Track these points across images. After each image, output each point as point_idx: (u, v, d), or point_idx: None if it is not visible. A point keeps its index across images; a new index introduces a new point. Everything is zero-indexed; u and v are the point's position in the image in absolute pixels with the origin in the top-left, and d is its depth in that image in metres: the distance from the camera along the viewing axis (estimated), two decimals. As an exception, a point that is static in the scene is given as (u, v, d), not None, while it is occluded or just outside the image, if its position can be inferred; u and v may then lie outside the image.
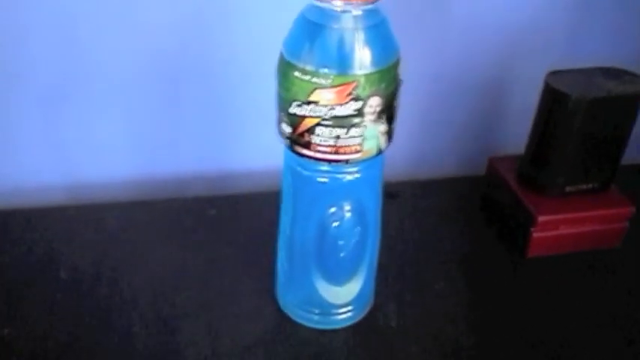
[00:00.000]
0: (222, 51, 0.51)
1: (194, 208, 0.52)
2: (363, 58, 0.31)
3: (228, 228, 0.50)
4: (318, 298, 0.40)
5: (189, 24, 0.49)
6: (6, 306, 0.43)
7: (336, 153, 0.33)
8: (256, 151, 0.54)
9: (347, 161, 0.34)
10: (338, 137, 0.33)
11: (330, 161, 0.34)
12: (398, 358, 0.40)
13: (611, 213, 0.48)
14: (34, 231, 0.49)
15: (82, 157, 0.54)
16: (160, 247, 0.48)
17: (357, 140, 0.33)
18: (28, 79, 0.49)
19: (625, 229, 0.49)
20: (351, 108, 0.32)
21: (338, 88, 0.31)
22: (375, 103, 0.32)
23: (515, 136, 0.50)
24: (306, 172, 0.36)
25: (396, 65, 0.33)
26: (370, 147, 0.34)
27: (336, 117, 0.32)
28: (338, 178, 0.36)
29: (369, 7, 0.32)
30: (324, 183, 0.36)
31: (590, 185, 0.48)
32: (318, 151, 0.34)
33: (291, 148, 0.35)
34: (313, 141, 0.33)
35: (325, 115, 0.32)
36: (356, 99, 0.32)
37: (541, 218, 0.47)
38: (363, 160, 0.34)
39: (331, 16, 0.31)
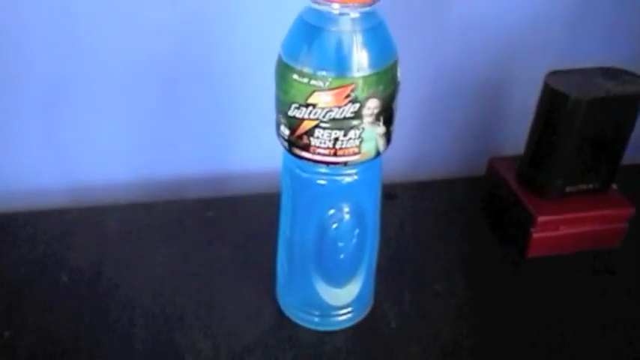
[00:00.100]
0: (222, 53, 0.51)
1: (194, 210, 0.52)
2: (360, 60, 0.31)
3: (228, 229, 0.50)
4: (317, 300, 0.41)
5: (189, 26, 0.49)
6: (7, 308, 0.43)
7: (335, 155, 0.33)
8: (256, 153, 0.54)
9: (345, 163, 0.34)
10: (336, 139, 0.33)
11: (328, 163, 0.34)
12: (398, 359, 0.40)
13: (611, 213, 0.48)
14: (35, 233, 0.49)
15: (82, 159, 0.54)
16: (160, 249, 0.48)
17: (356, 142, 0.33)
18: (28, 80, 0.49)
19: (625, 230, 0.49)
20: (349, 110, 0.32)
21: (336, 91, 0.31)
22: (373, 105, 0.32)
23: (515, 136, 0.50)
24: (305, 175, 0.36)
25: (393, 67, 0.33)
26: (368, 149, 0.34)
27: (334, 119, 0.32)
28: (337, 180, 0.36)
29: (367, 9, 0.32)
30: (322, 185, 0.36)
31: (590, 186, 0.48)
32: (317, 154, 0.34)
33: (289, 150, 0.35)
34: (312, 143, 0.33)
35: (323, 117, 0.32)
36: (354, 101, 0.32)
37: (541, 218, 0.47)
38: (362, 162, 0.34)
39: (329, 18, 0.31)
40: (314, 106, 0.32)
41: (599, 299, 0.45)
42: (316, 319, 0.42)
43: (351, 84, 0.31)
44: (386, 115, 0.33)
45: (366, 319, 0.43)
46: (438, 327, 0.43)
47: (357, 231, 0.38)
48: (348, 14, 0.31)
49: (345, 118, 0.32)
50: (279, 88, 0.34)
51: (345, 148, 0.33)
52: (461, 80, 0.56)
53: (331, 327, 0.42)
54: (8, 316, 0.42)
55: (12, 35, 0.47)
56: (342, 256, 0.39)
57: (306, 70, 0.32)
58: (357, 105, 0.32)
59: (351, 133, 0.33)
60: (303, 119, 0.33)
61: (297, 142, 0.34)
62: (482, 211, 0.53)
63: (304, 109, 0.32)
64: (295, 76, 0.32)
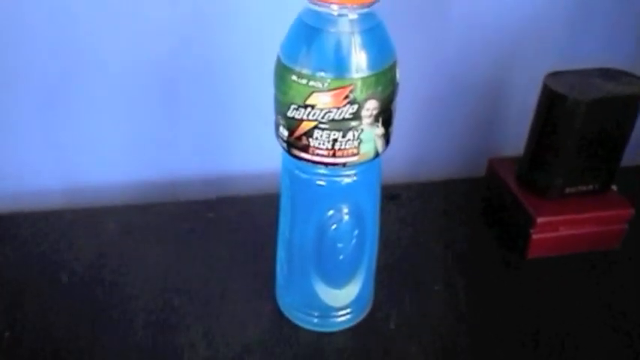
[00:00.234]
0: (221, 54, 0.51)
1: (193, 211, 0.52)
2: (359, 61, 0.31)
3: (227, 230, 0.50)
4: (317, 301, 0.41)
5: (189, 27, 0.49)
6: (7, 308, 0.43)
7: (334, 156, 0.33)
8: (255, 154, 0.54)
9: (344, 164, 0.34)
10: (335, 140, 0.33)
11: (327, 164, 0.34)
12: (398, 359, 0.40)
13: (611, 214, 0.48)
14: (34, 234, 0.49)
15: (82, 160, 0.54)
16: (159, 250, 0.48)
17: (354, 143, 0.33)
18: (26, 81, 0.49)
19: (624, 231, 0.49)
20: (347, 111, 0.32)
21: (334, 92, 0.31)
22: (371, 106, 0.32)
23: (515, 137, 0.50)
24: (304, 175, 0.36)
25: (392, 68, 0.33)
26: (367, 150, 0.34)
27: (333, 120, 0.32)
28: (336, 181, 0.36)
29: (366, 10, 0.32)
30: (322, 186, 0.36)
31: (590, 187, 0.48)
32: (316, 155, 0.34)
33: (288, 151, 0.35)
34: (311, 144, 0.33)
35: (322, 118, 0.32)
36: (352, 102, 0.32)
37: (540, 220, 0.47)
38: (361, 163, 0.34)
39: (328, 19, 0.31)
40: (313, 107, 0.32)
41: (598, 300, 0.45)
42: (315, 320, 0.42)
43: (350, 85, 0.31)
44: (385, 116, 0.34)
45: (365, 320, 0.43)
46: (437, 327, 0.43)
47: (356, 232, 0.38)
48: (346, 15, 0.31)
49: (343, 119, 0.32)
50: (277, 89, 0.34)
51: (344, 149, 0.33)
52: (461, 81, 0.56)
53: (330, 328, 0.42)
54: (8, 316, 0.42)
55: (11, 35, 0.47)
56: (341, 257, 0.39)
57: (304, 71, 0.32)
58: (356, 106, 0.32)
59: (350, 134, 0.33)
60: (302, 120, 0.33)
61: (296, 143, 0.34)
62: (482, 212, 0.53)
63: (303, 110, 0.32)
64: (294, 77, 0.32)
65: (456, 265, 0.48)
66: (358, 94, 0.32)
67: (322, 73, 0.31)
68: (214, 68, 0.51)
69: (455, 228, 0.52)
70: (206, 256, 0.48)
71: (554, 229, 0.48)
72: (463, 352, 0.41)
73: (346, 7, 0.31)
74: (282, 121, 0.34)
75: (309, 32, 0.32)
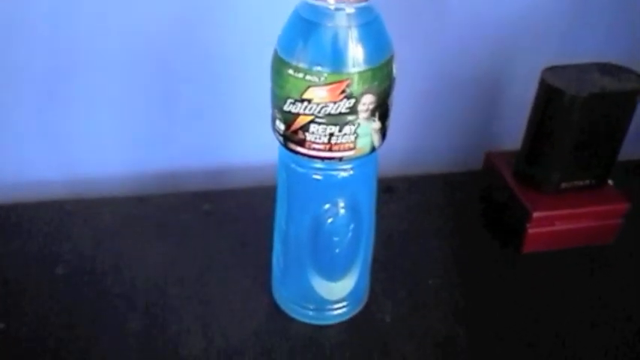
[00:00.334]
0: (219, 46, 0.51)
1: (190, 203, 0.52)
2: (356, 56, 0.31)
3: (224, 222, 0.50)
4: (313, 294, 0.41)
5: (187, 20, 0.49)
6: (2, 299, 0.43)
7: (330, 150, 0.34)
8: (252, 146, 0.54)
9: (341, 158, 0.34)
10: (331, 135, 0.33)
11: (323, 158, 0.34)
12: (392, 353, 0.41)
13: (607, 209, 0.48)
14: (31, 225, 0.49)
15: (79, 151, 0.54)
16: (156, 242, 0.48)
17: (351, 138, 0.33)
18: (25, 73, 0.49)
19: (620, 226, 0.49)
20: (344, 106, 0.32)
21: (331, 86, 0.31)
22: (368, 100, 0.32)
23: (513, 130, 0.50)
24: (300, 169, 0.36)
25: (389, 63, 0.33)
26: (363, 144, 0.34)
27: (329, 114, 0.32)
28: (332, 175, 0.36)
29: (363, 4, 0.31)
30: (318, 180, 0.36)
31: (586, 181, 0.48)
32: (312, 149, 0.34)
33: (285, 145, 0.35)
34: (307, 138, 0.33)
35: (318, 112, 0.32)
36: (349, 97, 0.32)
37: (536, 214, 0.47)
38: (357, 158, 0.34)
39: (325, 14, 0.31)
40: (309, 101, 0.32)
41: (594, 295, 0.45)
42: (311, 313, 0.42)
43: (347, 79, 0.31)
44: (381, 111, 0.34)
45: (360, 313, 0.43)
46: (432, 321, 0.43)
47: (352, 226, 0.38)
48: (343, 9, 0.31)
49: (340, 114, 0.32)
50: (274, 83, 0.34)
51: (341, 143, 0.33)
52: (458, 74, 0.56)
53: (326, 321, 0.42)
54: (4, 307, 0.42)
55: (9, 29, 0.47)
56: (337, 250, 0.39)
57: (301, 65, 0.32)
58: (353, 100, 0.32)
59: (346, 129, 0.33)
60: (298, 114, 0.33)
61: (292, 137, 0.34)
62: (479, 206, 0.54)
63: (299, 104, 0.32)
64: (291, 71, 0.32)
65: (452, 259, 0.48)
66: (355, 89, 0.32)
67: (319, 68, 0.31)
68: (213, 61, 0.51)
69: (451, 221, 0.52)
70: (203, 248, 0.48)
71: (550, 223, 0.48)
72: (458, 345, 0.41)
73: (343, 2, 0.31)
74: (278, 115, 0.34)
75: (305, 26, 0.32)
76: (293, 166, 0.36)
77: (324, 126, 0.33)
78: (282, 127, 0.34)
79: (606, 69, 0.46)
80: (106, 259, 0.47)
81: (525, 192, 0.48)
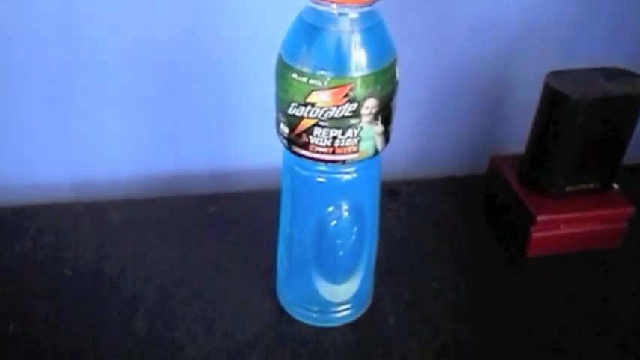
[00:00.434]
0: (225, 50, 0.51)
1: (195, 206, 0.52)
2: (359, 60, 0.32)
3: (229, 225, 0.50)
4: (316, 296, 0.41)
5: (192, 24, 0.49)
6: (11, 301, 0.43)
7: (334, 154, 0.34)
8: (257, 149, 0.54)
9: (344, 162, 0.34)
10: (335, 138, 0.33)
11: (327, 162, 0.34)
12: (396, 355, 0.41)
13: (611, 213, 0.48)
14: (39, 227, 0.50)
15: (85, 154, 0.55)
16: (161, 244, 0.48)
17: (354, 141, 0.33)
18: (30, 76, 0.50)
19: (625, 230, 0.49)
20: (347, 109, 0.32)
21: (334, 90, 0.32)
22: (371, 104, 0.32)
23: (517, 134, 0.50)
24: (304, 172, 0.36)
25: (392, 67, 0.33)
26: (367, 148, 0.34)
27: (332, 118, 0.32)
28: (336, 179, 0.36)
29: (366, 9, 0.32)
30: (322, 183, 0.36)
31: (591, 185, 0.48)
32: (316, 152, 0.34)
33: (289, 148, 0.35)
34: (311, 142, 0.34)
35: (322, 116, 0.32)
36: (352, 100, 0.32)
37: (540, 218, 0.47)
38: (360, 161, 0.35)
39: (328, 18, 0.32)
40: (313, 105, 0.32)
41: (598, 299, 0.45)
42: (315, 315, 0.42)
43: (350, 83, 0.32)
44: (384, 115, 0.34)
45: (364, 316, 0.43)
46: (436, 324, 0.43)
47: (355, 228, 0.38)
48: (347, 14, 0.32)
49: (343, 117, 0.32)
50: (278, 86, 0.34)
51: (344, 146, 0.34)
52: (462, 78, 0.56)
53: (330, 323, 0.42)
54: (13, 308, 0.43)
55: (16, 31, 0.48)
56: (341, 253, 0.39)
57: (305, 69, 0.32)
58: (356, 104, 0.32)
59: (350, 132, 0.33)
60: (302, 118, 0.33)
61: (296, 140, 0.34)
62: (483, 210, 0.54)
63: (303, 107, 0.33)
64: (294, 75, 0.32)
65: (456, 263, 0.48)
66: (358, 93, 0.32)
67: (322, 72, 0.32)
68: (218, 65, 0.52)
69: (455, 225, 0.52)
70: (208, 251, 0.48)
71: (554, 227, 0.48)
72: (462, 348, 0.41)
73: (347, 6, 0.31)
74: (282, 119, 0.34)
75: (309, 31, 0.32)
76: (297, 169, 0.37)
77: (328, 129, 0.33)
78: (286, 130, 0.34)
79: (611, 73, 0.46)
80: (111, 261, 0.47)
81: (530, 196, 0.48)
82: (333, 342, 0.41)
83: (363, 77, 0.32)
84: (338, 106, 0.32)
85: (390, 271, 0.46)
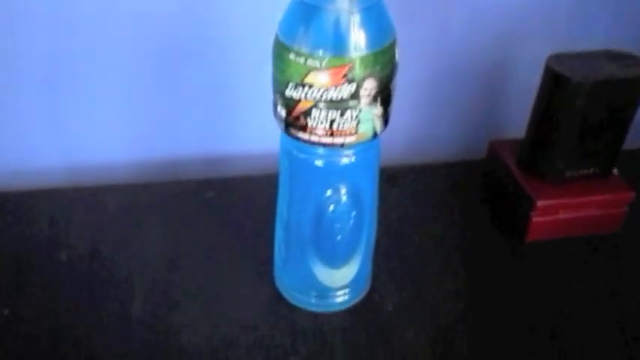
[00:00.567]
0: (221, 33, 0.50)
1: (192, 191, 0.52)
2: (357, 40, 0.31)
3: (227, 210, 0.50)
4: (315, 281, 0.41)
5: (187, 7, 0.49)
6: (6, 286, 0.43)
7: (332, 136, 0.33)
8: (254, 134, 0.54)
9: (342, 144, 0.34)
10: (333, 121, 0.33)
11: (325, 144, 0.34)
12: (395, 340, 0.41)
13: (611, 198, 0.48)
14: (34, 212, 0.49)
15: (81, 139, 0.54)
16: (158, 229, 0.48)
17: (352, 123, 0.33)
18: (25, 61, 0.49)
19: (625, 214, 0.48)
20: (345, 91, 0.32)
21: (332, 71, 0.31)
22: (369, 85, 0.32)
23: (517, 119, 0.49)
24: (302, 156, 0.36)
25: (391, 47, 0.32)
26: (365, 130, 0.34)
27: (330, 100, 0.32)
28: (334, 162, 0.36)
29: (365, -12, 0.31)
30: (320, 166, 0.36)
31: (591, 170, 0.48)
32: (314, 135, 0.33)
33: (286, 131, 0.35)
34: (309, 124, 0.33)
35: (320, 97, 0.32)
36: (350, 81, 0.31)
37: (540, 203, 0.47)
38: (359, 144, 0.34)
39: (326, -3, 0.31)
40: (310, 86, 0.32)
41: (598, 283, 0.45)
42: (313, 301, 0.42)
43: (348, 64, 0.31)
44: (383, 96, 0.33)
45: (363, 301, 0.43)
46: (435, 309, 0.43)
47: (354, 212, 0.38)
48: (345, -7, 0.31)
49: (341, 99, 0.32)
50: (275, 67, 0.33)
51: (342, 129, 0.33)
52: (462, 61, 0.55)
53: (328, 308, 0.42)
54: (8, 293, 0.42)
55: (11, 17, 0.47)
56: (339, 237, 0.39)
57: (302, 49, 0.31)
58: (354, 85, 0.32)
59: (348, 114, 0.32)
60: (299, 100, 0.33)
61: (294, 122, 0.34)
62: (482, 195, 0.53)
63: (301, 89, 0.32)
64: (292, 56, 0.32)
65: (455, 248, 0.48)
66: (356, 73, 0.31)
67: (320, 52, 0.31)
68: (214, 48, 0.51)
69: (454, 210, 0.51)
70: (205, 236, 0.48)
71: (554, 212, 0.47)
72: (460, 333, 0.41)
73: (345, -15, 0.31)
74: (279, 101, 0.34)
75: (307, 10, 0.31)
76: (295, 152, 0.36)
77: (326, 111, 0.32)
78: (283, 112, 0.34)
79: (613, 56, 0.45)
80: (108, 246, 0.47)
81: (530, 181, 0.48)
82: (331, 327, 0.41)
83: (361, 58, 0.31)
84: (336, 88, 0.31)
85: (389, 256, 0.46)
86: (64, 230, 0.48)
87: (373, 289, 0.44)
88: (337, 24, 0.31)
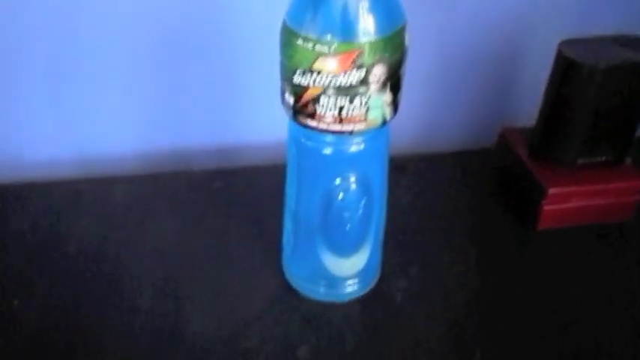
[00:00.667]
0: (229, 21, 0.50)
1: (200, 181, 0.52)
2: (366, 25, 0.30)
3: (235, 201, 0.50)
4: (324, 271, 0.40)
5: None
6: (15, 277, 0.43)
7: (341, 123, 0.33)
8: (263, 124, 0.54)
9: (351, 132, 0.33)
10: (342, 108, 0.32)
11: (334, 132, 0.33)
12: (404, 330, 0.40)
13: (623, 186, 0.47)
14: (43, 203, 0.49)
15: (90, 130, 0.54)
16: (167, 220, 0.48)
17: (362, 110, 0.32)
18: (33, 51, 0.49)
19: (637, 203, 0.48)
20: (354, 77, 0.31)
21: (341, 56, 0.31)
22: (379, 71, 0.31)
23: (528, 107, 0.49)
24: (310, 143, 0.36)
25: (401, 32, 0.32)
26: (375, 117, 0.33)
27: (339, 86, 0.31)
28: (343, 150, 0.35)
29: (374, -28, 0.31)
30: (328, 154, 0.35)
31: (604, 158, 0.47)
32: (323, 122, 0.33)
33: (294, 118, 0.34)
34: (317, 111, 0.33)
35: (328, 84, 0.31)
36: (359, 67, 0.31)
37: (552, 191, 0.46)
38: (368, 131, 0.34)
39: (334, -19, 0.30)
40: (319, 72, 0.31)
41: (609, 271, 0.45)
42: (322, 290, 0.41)
43: (357, 49, 0.30)
44: (393, 82, 0.33)
45: (372, 291, 0.42)
46: (445, 298, 0.42)
47: (363, 201, 0.38)
48: (354, -23, 0.30)
49: (350, 86, 0.31)
50: (283, 54, 0.33)
51: (351, 116, 0.33)
52: (472, 48, 0.54)
53: (337, 298, 0.42)
54: (17, 284, 0.42)
55: (17, 5, 0.47)
56: (348, 226, 0.38)
57: (310, 35, 0.31)
58: (363, 71, 0.31)
59: (357, 101, 0.32)
60: (308, 87, 0.32)
61: (302, 110, 0.33)
62: (493, 183, 0.53)
63: (309, 75, 0.32)
64: (300, 42, 0.31)
65: (466, 236, 0.47)
66: (365, 59, 0.31)
67: (328, 37, 0.30)
68: (222, 37, 0.50)
69: (464, 199, 0.51)
70: (213, 227, 0.47)
71: (566, 200, 0.47)
72: (471, 322, 0.41)
73: (353, -31, 0.30)
74: (288, 88, 0.33)
75: (315, -5, 0.31)
76: (303, 140, 0.36)
77: (335, 98, 0.32)
78: (291, 100, 0.33)
79: (627, 41, 0.44)
80: (117, 237, 0.46)
81: (541, 168, 0.47)
82: (341, 317, 0.41)
83: (370, 43, 0.31)
84: (345, 74, 0.31)
85: (399, 246, 0.46)
86: (73, 221, 0.48)
87: (383, 279, 0.43)
88: (346, 9, 0.30)
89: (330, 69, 0.31)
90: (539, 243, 0.47)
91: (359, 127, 0.33)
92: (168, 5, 0.48)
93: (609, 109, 0.45)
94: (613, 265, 0.45)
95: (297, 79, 0.32)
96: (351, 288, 0.42)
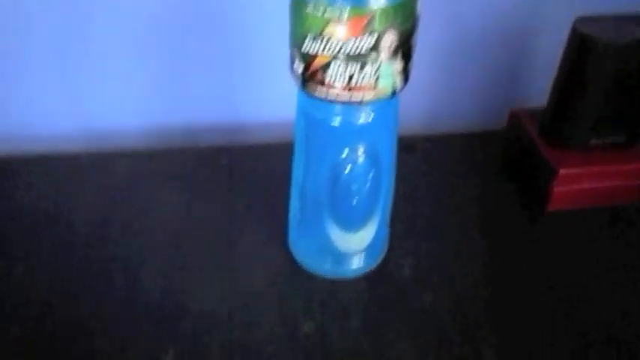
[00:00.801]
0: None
1: (207, 158, 0.51)
2: (378, -10, 0.30)
3: (242, 177, 0.50)
4: (330, 246, 0.40)
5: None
6: (18, 250, 0.43)
7: (350, 91, 0.32)
8: (271, 101, 0.53)
9: (361, 101, 0.33)
10: (352, 76, 0.32)
11: (343, 101, 0.33)
12: (411, 306, 0.40)
13: (635, 168, 0.46)
14: (48, 177, 0.49)
15: (96, 105, 0.54)
16: (172, 196, 0.48)
17: (372, 79, 0.32)
18: (38, 26, 0.49)
19: (649, 184, 0.47)
20: (365, 43, 0.30)
21: (351, 22, 0.30)
22: (390, 38, 0.31)
23: (540, 87, 0.48)
24: (319, 115, 0.35)
25: (412, 1, 0.31)
26: (385, 85, 0.32)
27: (349, 54, 0.31)
28: (352, 120, 0.35)
29: None
30: (337, 126, 0.35)
31: (617, 138, 0.46)
32: (332, 91, 0.32)
33: (303, 87, 0.34)
34: (326, 79, 0.32)
35: (338, 51, 0.31)
36: (370, 34, 0.30)
37: (563, 171, 0.45)
38: (377, 101, 0.33)
39: (346, -55, 0.30)
40: (329, 39, 0.31)
41: (619, 253, 0.44)
42: (328, 266, 0.41)
43: (368, 15, 0.30)
44: (404, 51, 0.32)
45: (379, 267, 0.42)
46: (452, 276, 0.42)
47: (371, 174, 0.37)
48: (366, -59, 0.30)
49: (360, 53, 0.31)
50: (293, 21, 0.32)
51: (361, 84, 0.32)
52: (483, 27, 0.53)
53: (344, 274, 0.41)
54: (19, 259, 0.42)
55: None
56: (356, 199, 0.38)
57: (320, 0, 0.30)
58: (374, 38, 0.30)
59: (367, 69, 0.31)
60: (317, 54, 0.31)
61: (311, 78, 0.33)
62: (502, 164, 0.52)
63: (319, 42, 0.31)
64: (310, 8, 0.31)
65: (474, 217, 0.47)
66: (376, 26, 0.30)
67: (339, 3, 0.30)
68: (229, 13, 0.50)
69: (474, 179, 0.50)
70: (219, 203, 0.47)
71: (577, 181, 0.46)
72: (478, 301, 0.40)
73: None
74: (297, 55, 0.33)
75: (325, -41, 0.30)
76: (311, 111, 0.35)
77: (345, 66, 0.31)
78: (300, 68, 0.33)
79: (642, 18, 0.44)
80: (121, 212, 0.46)
81: (552, 149, 0.47)
82: (347, 293, 0.40)
83: (382, 9, 0.30)
84: (355, 40, 0.30)
85: (407, 226, 0.45)
86: (76, 195, 0.47)
87: (389, 257, 0.43)
88: (357, -26, 0.30)
89: (340, 35, 0.30)
90: (549, 224, 0.46)
91: (368, 96, 0.32)
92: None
93: (623, 88, 0.44)
94: (623, 247, 0.45)
95: (307, 46, 0.32)
96: (358, 264, 0.41)
